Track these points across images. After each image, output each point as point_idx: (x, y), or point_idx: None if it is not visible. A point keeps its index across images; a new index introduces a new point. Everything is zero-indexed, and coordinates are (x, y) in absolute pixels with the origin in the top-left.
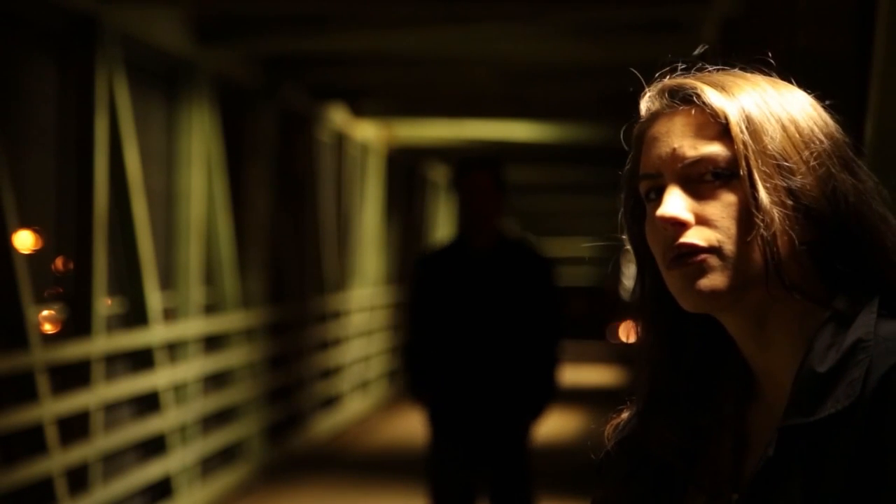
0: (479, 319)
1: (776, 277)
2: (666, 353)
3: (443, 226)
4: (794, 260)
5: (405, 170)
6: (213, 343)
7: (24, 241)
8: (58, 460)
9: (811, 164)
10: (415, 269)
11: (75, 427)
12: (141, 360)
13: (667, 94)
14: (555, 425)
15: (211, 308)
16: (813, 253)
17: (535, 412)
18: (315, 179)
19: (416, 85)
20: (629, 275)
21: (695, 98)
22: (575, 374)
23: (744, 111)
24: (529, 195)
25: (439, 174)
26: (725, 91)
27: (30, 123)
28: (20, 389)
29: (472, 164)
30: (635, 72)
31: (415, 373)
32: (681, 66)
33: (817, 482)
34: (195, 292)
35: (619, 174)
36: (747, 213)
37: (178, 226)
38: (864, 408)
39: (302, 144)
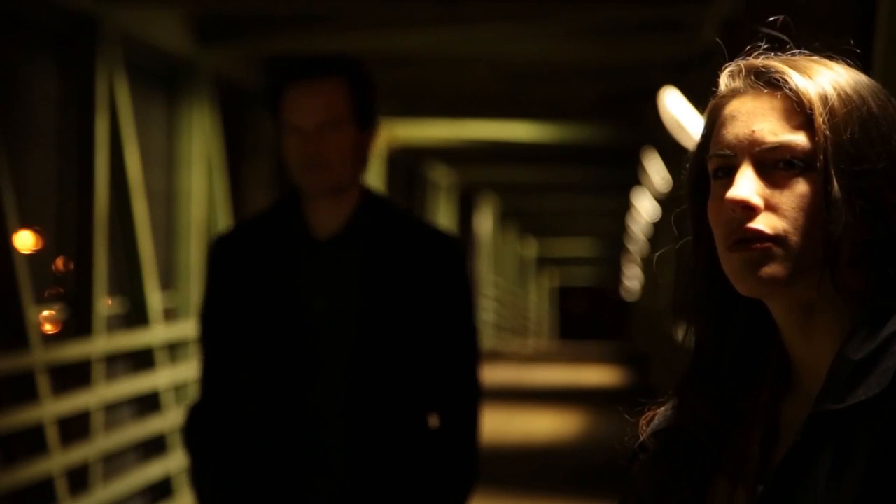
0: (324, 361)
1: (829, 275)
2: (713, 331)
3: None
4: (849, 259)
5: (405, 170)
6: None
7: (24, 241)
8: (58, 460)
9: (884, 165)
10: (208, 265)
11: (76, 427)
12: (141, 360)
13: (752, 75)
14: (555, 425)
15: None
16: (867, 253)
17: None
18: None
19: (416, 85)
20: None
21: (781, 83)
22: (575, 375)
23: (828, 104)
24: (529, 195)
25: (440, 174)
26: (812, 80)
27: (30, 123)
28: (20, 389)
29: (305, 66)
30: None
31: (201, 465)
32: (763, 45)
33: (842, 469)
34: (195, 292)
35: (621, 173)
36: (816, 207)
37: (178, 226)
38: (894, 397)
39: None
